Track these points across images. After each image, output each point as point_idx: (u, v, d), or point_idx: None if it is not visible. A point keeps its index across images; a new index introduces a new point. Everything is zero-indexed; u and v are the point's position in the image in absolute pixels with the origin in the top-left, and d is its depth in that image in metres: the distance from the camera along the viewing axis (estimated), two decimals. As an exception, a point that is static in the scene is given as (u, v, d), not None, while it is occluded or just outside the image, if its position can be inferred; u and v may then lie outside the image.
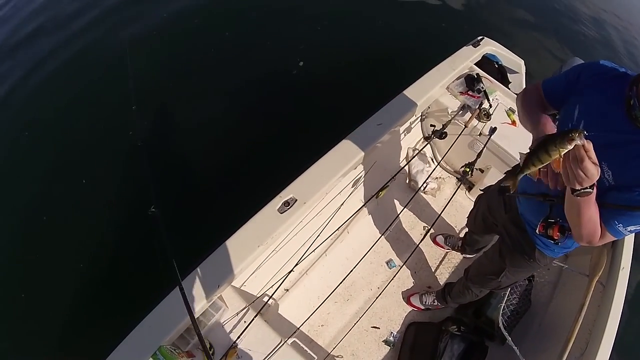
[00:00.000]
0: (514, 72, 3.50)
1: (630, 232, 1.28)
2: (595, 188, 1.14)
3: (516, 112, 2.85)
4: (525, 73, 3.53)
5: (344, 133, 2.27)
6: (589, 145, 1.04)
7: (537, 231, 1.55)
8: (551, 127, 1.33)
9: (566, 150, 1.07)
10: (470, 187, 3.32)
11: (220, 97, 4.14)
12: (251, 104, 4.11)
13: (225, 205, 3.02)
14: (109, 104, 3.87)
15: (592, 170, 1.05)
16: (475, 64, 3.17)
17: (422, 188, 3.07)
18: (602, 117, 1.29)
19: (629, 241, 2.54)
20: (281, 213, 1.88)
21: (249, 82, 4.24)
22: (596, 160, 1.05)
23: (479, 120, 2.81)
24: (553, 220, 1.50)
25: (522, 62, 3.43)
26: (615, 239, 1.34)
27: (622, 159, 1.23)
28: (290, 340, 1.85)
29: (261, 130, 3.88)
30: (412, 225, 3.14)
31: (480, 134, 2.79)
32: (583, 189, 1.12)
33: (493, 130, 2.64)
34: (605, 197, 1.27)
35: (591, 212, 1.24)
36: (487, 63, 3.32)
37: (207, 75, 4.29)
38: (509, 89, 3.15)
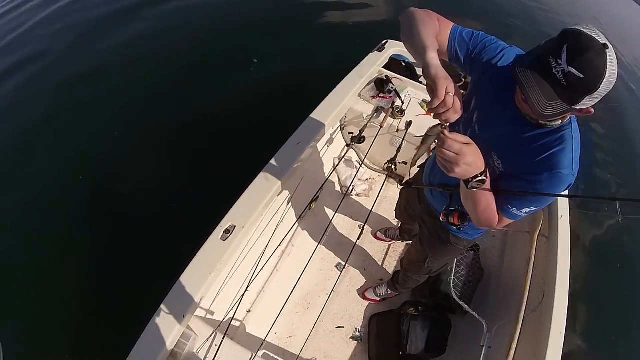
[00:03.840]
0: (420, 65, 3.71)
1: (526, 213, 1.36)
2: (488, 178, 1.23)
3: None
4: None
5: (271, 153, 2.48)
6: (449, 137, 1.12)
7: (440, 219, 1.69)
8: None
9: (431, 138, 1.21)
10: (401, 180, 3.51)
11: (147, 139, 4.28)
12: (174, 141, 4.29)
13: (172, 244, 3.13)
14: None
15: (450, 157, 1.13)
16: (384, 67, 3.43)
17: (350, 191, 3.37)
18: (495, 111, 1.37)
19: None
20: (224, 241, 2.07)
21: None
22: (456, 150, 1.12)
23: (394, 118, 3.04)
24: (453, 209, 1.64)
25: None
26: (514, 221, 1.42)
27: (511, 150, 1.33)
28: (260, 353, 2.00)
29: (188, 167, 4.02)
30: (352, 227, 3.40)
31: (397, 130, 3.02)
32: (474, 180, 1.20)
33: (409, 124, 2.90)
34: (498, 185, 1.35)
35: (486, 200, 1.34)
36: (395, 63, 3.59)
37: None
38: (420, 82, 3.40)
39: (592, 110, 1.10)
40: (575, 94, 1.03)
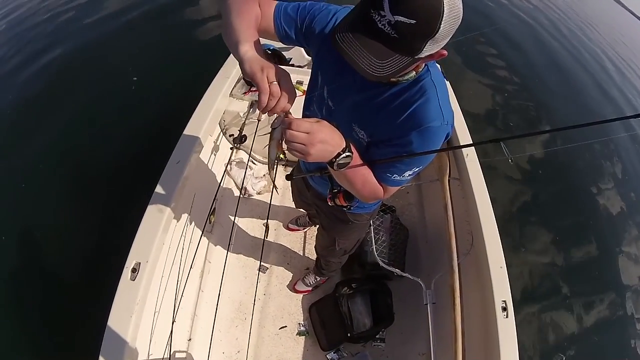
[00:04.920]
0: (289, 49, 3.72)
1: (410, 176, 1.29)
2: (353, 153, 1.14)
3: (304, 83, 3.07)
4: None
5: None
6: (294, 118, 1.02)
7: (328, 203, 1.64)
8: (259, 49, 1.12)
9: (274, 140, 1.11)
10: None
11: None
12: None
13: (80, 298, 3.01)
14: None
15: (302, 138, 1.00)
16: None
17: (247, 192, 3.38)
18: (343, 80, 1.28)
19: (462, 131, 2.81)
20: (133, 280, 1.98)
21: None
22: (306, 128, 1.00)
23: None
24: (336, 190, 1.57)
25: None
26: (400, 186, 1.37)
27: (369, 116, 1.26)
28: None
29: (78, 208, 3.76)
30: (262, 227, 3.34)
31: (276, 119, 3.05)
32: (339, 159, 1.10)
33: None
34: (369, 155, 1.28)
35: (362, 175, 1.26)
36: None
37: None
38: (292, 64, 3.40)
39: (445, 52, 1.02)
40: (412, 43, 0.94)
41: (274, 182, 1.40)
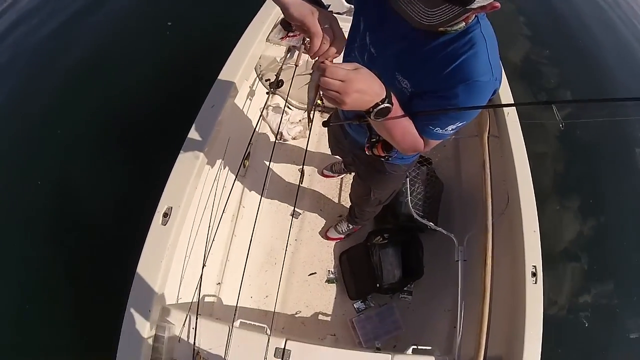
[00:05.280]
0: None
1: (453, 130, 1.25)
2: (394, 104, 1.08)
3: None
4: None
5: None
6: (329, 65, 0.96)
7: (365, 152, 1.56)
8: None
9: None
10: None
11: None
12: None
13: (118, 242, 2.92)
14: None
15: (337, 86, 0.95)
16: None
17: (282, 137, 3.36)
18: (387, 27, 1.24)
19: (504, 89, 2.70)
20: (164, 225, 2.03)
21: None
22: (341, 76, 0.95)
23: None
24: (375, 139, 1.49)
25: None
26: (442, 140, 1.33)
27: (414, 66, 1.22)
28: (237, 323, 1.98)
29: (111, 159, 3.78)
30: (296, 172, 3.33)
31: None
32: (377, 109, 1.04)
33: None
34: (412, 107, 1.24)
35: (402, 127, 1.22)
36: None
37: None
38: (330, 11, 3.32)
39: (498, 4, 0.96)
40: None
41: (310, 121, 1.38)
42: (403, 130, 1.23)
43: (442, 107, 1.18)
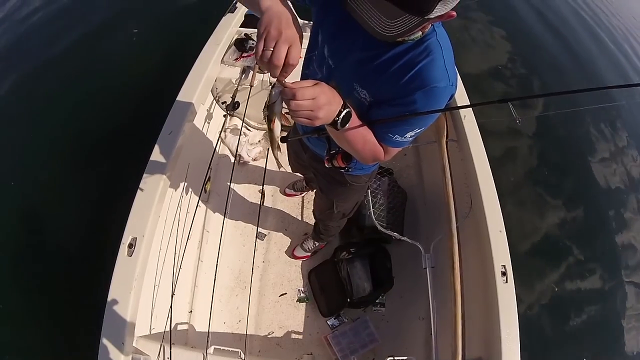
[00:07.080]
0: None
1: (412, 137, 1.29)
2: (352, 110, 1.11)
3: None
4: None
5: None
6: (296, 87, 0.96)
7: (325, 165, 1.56)
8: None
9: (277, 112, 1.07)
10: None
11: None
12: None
13: (85, 276, 2.93)
14: None
15: (309, 105, 0.97)
16: (241, 26, 3.33)
17: (241, 159, 3.37)
18: (344, 39, 1.27)
19: (460, 92, 2.74)
20: (130, 256, 2.00)
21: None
22: (311, 94, 0.96)
23: (263, 73, 2.97)
24: (334, 151, 1.51)
25: None
26: (402, 147, 1.36)
27: (372, 76, 1.24)
28: (210, 350, 1.96)
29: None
30: (258, 194, 3.22)
31: (270, 83, 2.97)
32: (340, 118, 1.07)
33: None
34: (370, 116, 1.27)
35: (362, 136, 1.24)
36: (252, 19, 3.43)
37: None
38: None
39: (454, 13, 1.00)
40: (422, 3, 0.92)
41: (281, 139, 1.31)
42: (363, 139, 1.25)
43: (398, 114, 1.21)
